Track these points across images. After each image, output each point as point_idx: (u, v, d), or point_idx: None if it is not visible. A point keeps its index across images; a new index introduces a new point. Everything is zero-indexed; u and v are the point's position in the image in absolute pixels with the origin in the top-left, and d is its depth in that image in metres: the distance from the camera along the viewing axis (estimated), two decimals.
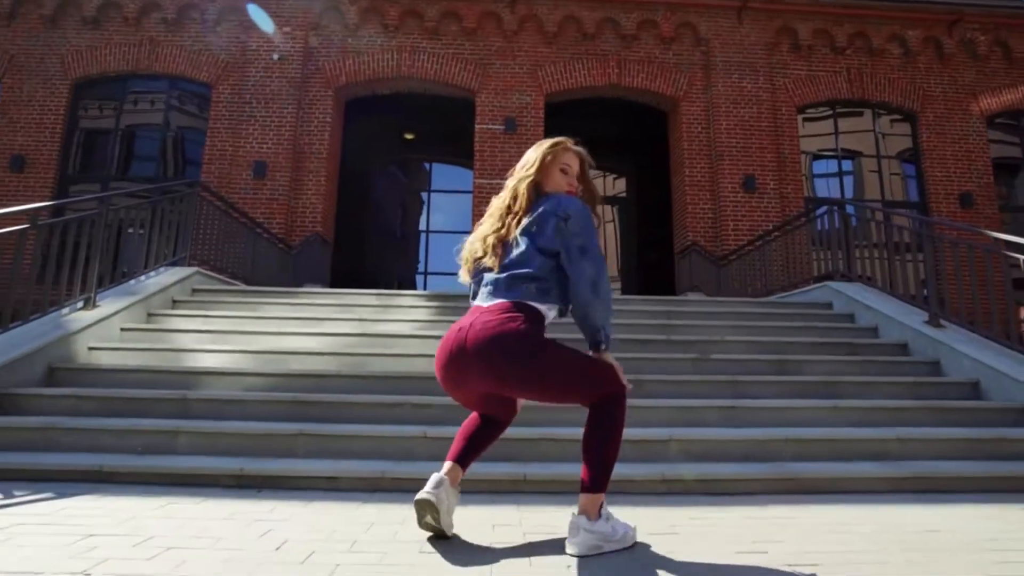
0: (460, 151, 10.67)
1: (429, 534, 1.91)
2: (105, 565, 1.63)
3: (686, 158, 9.88)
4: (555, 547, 1.83)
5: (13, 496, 2.35)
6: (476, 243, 1.95)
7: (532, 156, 1.97)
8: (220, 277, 6.02)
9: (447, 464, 1.93)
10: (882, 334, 4.82)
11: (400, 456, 2.91)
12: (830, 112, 10.38)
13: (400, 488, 2.58)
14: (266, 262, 7.63)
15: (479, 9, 9.93)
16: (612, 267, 12.02)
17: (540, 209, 1.86)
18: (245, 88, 9.55)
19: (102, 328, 4.14)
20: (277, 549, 1.80)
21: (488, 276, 1.89)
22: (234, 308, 5.05)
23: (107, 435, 2.98)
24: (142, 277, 5.15)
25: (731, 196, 9.56)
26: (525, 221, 1.86)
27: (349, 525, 2.08)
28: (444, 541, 1.88)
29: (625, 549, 1.82)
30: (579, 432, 1.88)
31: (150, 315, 4.70)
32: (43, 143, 9.29)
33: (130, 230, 5.36)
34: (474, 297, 2.05)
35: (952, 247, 4.63)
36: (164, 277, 5.21)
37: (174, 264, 5.64)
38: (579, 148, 2.01)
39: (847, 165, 10.33)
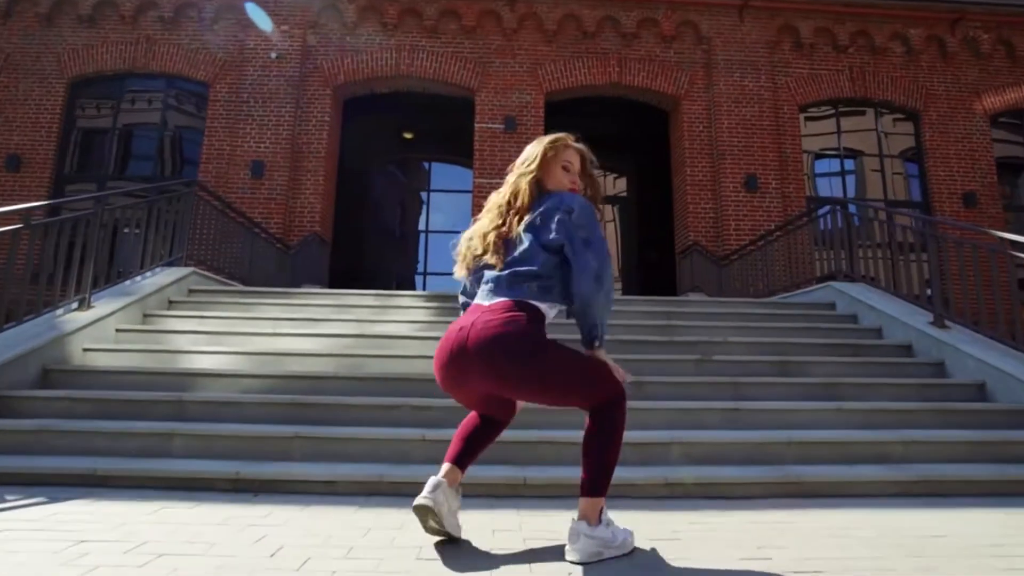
0: (459, 150, 10.63)
1: (436, 539, 1.88)
2: (96, 573, 1.60)
3: (687, 157, 9.84)
4: (556, 553, 1.80)
5: (5, 500, 2.32)
6: (475, 240, 1.91)
7: (533, 152, 1.93)
8: (217, 277, 5.98)
9: (445, 466, 1.89)
10: (886, 335, 4.78)
11: (398, 459, 2.87)
12: (832, 111, 10.34)
13: (398, 492, 2.55)
14: (264, 262, 7.59)
15: (478, 7, 9.89)
16: (613, 267, 11.95)
17: (544, 206, 1.83)
18: (243, 87, 9.51)
19: (97, 329, 4.10)
20: (272, 555, 1.77)
21: (489, 274, 1.85)
22: (231, 309, 5.01)
23: (101, 438, 2.94)
24: (138, 277, 5.12)
25: (732, 195, 9.52)
26: (528, 218, 1.83)
27: (346, 530, 2.04)
28: (445, 547, 1.85)
29: (625, 555, 1.79)
30: (578, 435, 1.84)
31: (146, 316, 4.66)
32: (39, 142, 9.25)
33: (126, 230, 5.31)
34: (464, 292, 2.02)
35: (957, 247, 4.59)
36: (160, 277, 5.17)
37: (170, 264, 5.60)
38: (580, 145, 1.98)
39: (849, 164, 10.29)
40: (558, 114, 9.85)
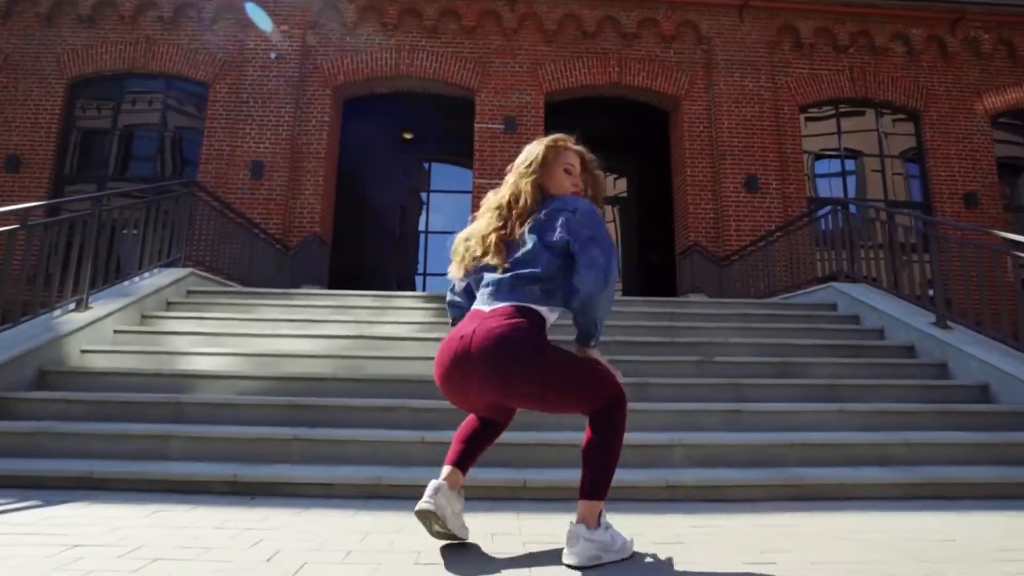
0: (459, 150, 10.62)
1: (436, 542, 1.86)
2: None
3: (687, 157, 9.81)
4: (556, 557, 1.77)
5: None
6: (473, 241, 1.87)
7: (532, 153, 1.90)
8: (216, 278, 5.96)
9: (445, 469, 1.87)
10: (888, 336, 4.76)
11: (397, 462, 2.85)
12: (832, 111, 10.32)
13: (397, 495, 2.53)
14: (263, 263, 7.57)
15: (478, 7, 9.87)
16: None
17: (547, 208, 1.80)
18: (242, 87, 9.49)
19: (95, 330, 4.07)
20: (268, 560, 1.74)
21: (489, 276, 1.82)
22: (229, 310, 4.98)
23: (98, 440, 2.92)
24: (136, 278, 5.09)
25: (733, 196, 9.49)
26: (531, 220, 1.80)
27: (343, 534, 2.02)
28: (444, 550, 1.83)
29: (625, 560, 1.76)
30: (578, 437, 1.82)
31: (144, 317, 4.64)
32: (38, 143, 9.22)
33: (124, 231, 5.29)
34: (452, 291, 2.00)
35: (960, 247, 4.56)
36: (158, 278, 5.15)
37: (169, 265, 5.58)
38: (579, 147, 1.96)
39: (850, 165, 10.27)
40: (558, 114, 9.82)
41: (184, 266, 5.69)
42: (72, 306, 4.21)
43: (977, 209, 9.63)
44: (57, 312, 4.11)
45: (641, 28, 10.06)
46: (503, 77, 9.84)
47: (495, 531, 2.07)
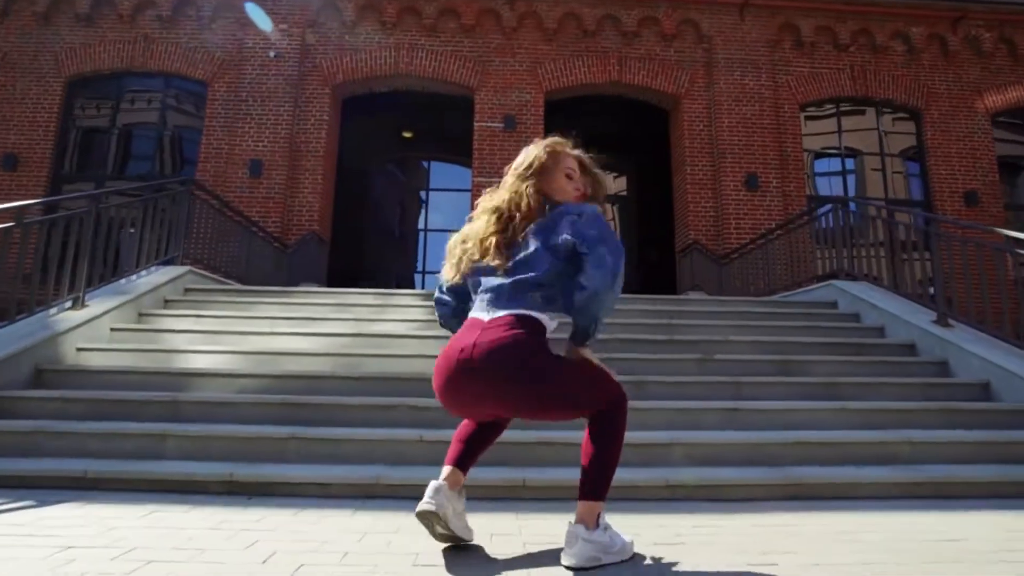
0: (459, 149, 10.59)
1: (435, 544, 1.84)
2: None
3: (687, 156, 9.79)
4: (556, 558, 1.75)
5: None
6: (471, 244, 1.82)
7: (531, 156, 1.86)
8: (214, 276, 5.93)
9: (446, 469, 1.85)
10: (889, 334, 4.74)
11: (395, 461, 2.83)
12: (833, 110, 10.30)
13: (395, 495, 2.51)
14: (261, 261, 7.55)
15: (478, 6, 9.84)
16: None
17: (552, 213, 1.77)
18: (241, 86, 9.46)
19: (91, 328, 4.05)
20: (264, 562, 1.72)
21: (488, 282, 1.77)
22: (227, 308, 4.96)
23: (94, 439, 2.89)
24: (133, 276, 5.07)
25: (733, 194, 9.47)
26: (535, 224, 1.76)
27: (341, 535, 2.00)
28: (443, 552, 1.81)
29: (625, 561, 1.73)
30: (578, 435, 1.80)
31: (141, 315, 4.61)
32: (36, 141, 9.20)
33: (121, 229, 5.27)
34: (440, 290, 1.98)
35: (961, 245, 4.54)
36: (156, 276, 5.13)
37: (167, 263, 5.55)
38: (577, 151, 1.93)
39: (850, 163, 10.25)
40: (558, 113, 9.80)
41: (182, 264, 5.67)
42: (69, 304, 4.19)
43: (978, 207, 9.62)
44: (53, 310, 4.09)
45: (641, 27, 10.04)
46: (503, 76, 9.81)
47: (494, 531, 2.05)
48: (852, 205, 6.15)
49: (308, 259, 8.80)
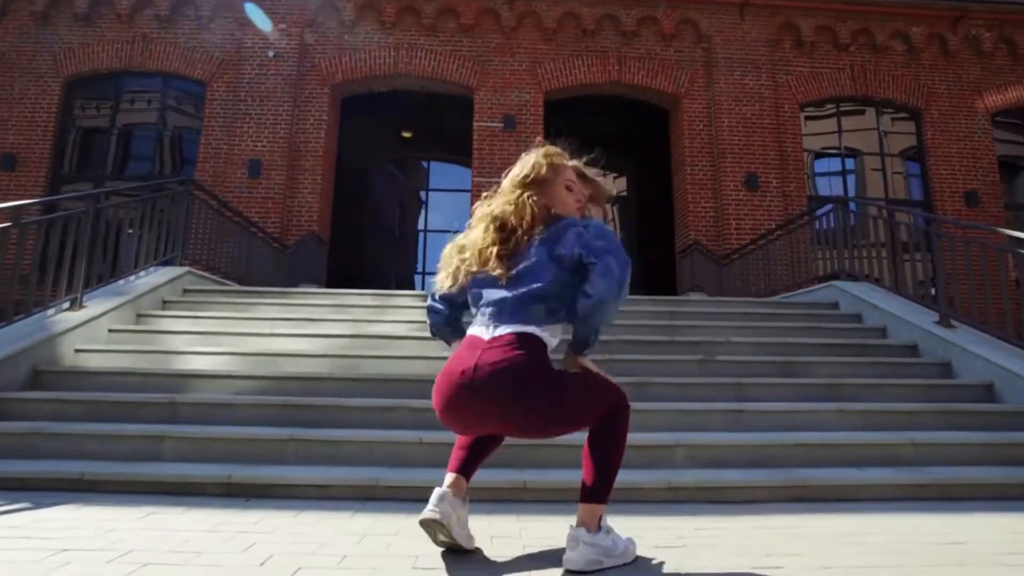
0: (458, 149, 10.56)
1: (435, 547, 1.81)
2: None
3: (687, 156, 9.77)
4: (556, 560, 1.73)
5: None
6: (469, 254, 1.78)
7: (529, 164, 1.83)
8: (212, 277, 5.91)
9: (449, 476, 1.83)
10: (891, 335, 4.72)
11: (395, 462, 2.81)
12: (833, 110, 10.29)
13: (395, 497, 2.49)
14: (260, 262, 7.52)
15: (477, 5, 9.82)
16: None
17: (556, 225, 1.73)
18: (240, 86, 9.43)
19: (89, 329, 4.02)
20: (262, 564, 1.70)
21: (490, 295, 1.73)
22: (226, 309, 4.94)
23: (92, 441, 2.88)
24: (131, 277, 5.04)
25: (733, 194, 9.45)
26: (538, 235, 1.72)
27: (339, 537, 1.98)
28: (443, 555, 1.79)
29: (627, 564, 1.72)
30: (580, 437, 1.79)
31: (139, 316, 4.59)
32: (35, 142, 9.17)
33: (120, 229, 5.24)
34: (433, 297, 1.95)
35: (964, 245, 4.52)
36: (154, 277, 5.10)
37: (165, 264, 5.53)
38: (574, 161, 1.90)
39: (850, 163, 10.24)
40: (557, 113, 9.78)
41: (181, 265, 5.64)
42: (66, 305, 4.16)
43: (978, 207, 9.60)
44: (51, 311, 4.06)
45: (641, 26, 10.02)
46: (502, 75, 9.79)
47: (495, 534, 2.03)
48: (852, 205, 6.14)
49: (307, 260, 8.78)
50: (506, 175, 1.87)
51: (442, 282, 1.86)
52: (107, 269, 4.89)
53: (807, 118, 10.19)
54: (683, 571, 1.70)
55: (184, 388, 3.50)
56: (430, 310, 1.97)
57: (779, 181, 9.57)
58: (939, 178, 9.82)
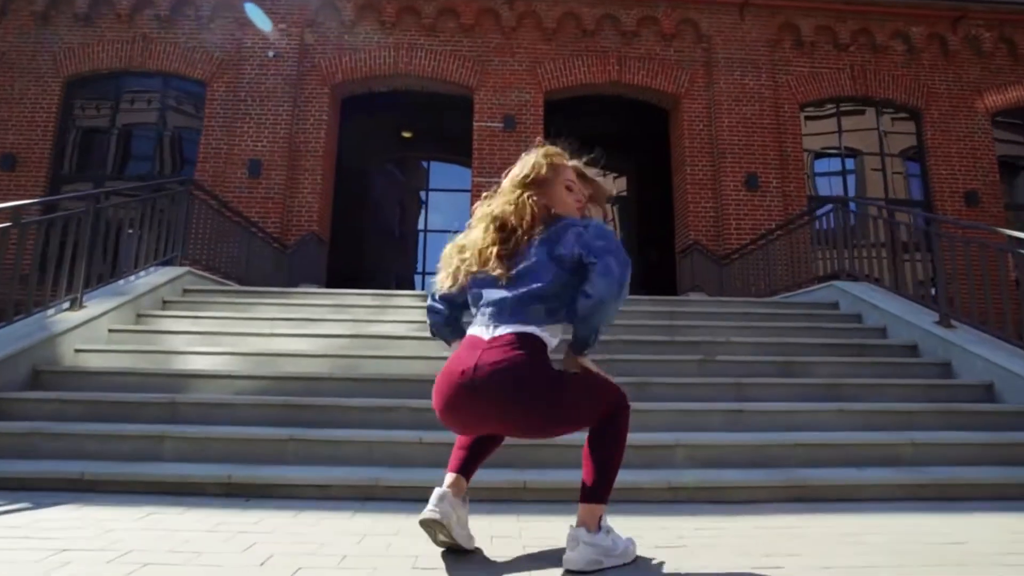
0: (458, 149, 10.56)
1: (434, 547, 1.81)
2: None
3: (687, 156, 9.77)
4: (556, 561, 1.73)
5: None
6: (468, 254, 1.78)
7: (529, 165, 1.83)
8: (212, 277, 5.91)
9: (449, 476, 1.83)
10: (891, 335, 4.72)
11: (395, 462, 2.81)
12: (833, 110, 10.29)
13: (395, 497, 2.49)
14: (260, 262, 7.52)
15: (477, 5, 9.82)
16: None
17: (556, 225, 1.73)
18: (240, 86, 9.43)
19: (89, 329, 4.02)
20: (262, 564, 1.70)
21: (490, 295, 1.73)
22: (226, 309, 4.94)
23: (92, 441, 2.87)
24: (131, 277, 5.04)
25: (733, 194, 9.45)
26: (538, 235, 1.72)
27: (340, 537, 1.98)
28: (443, 554, 1.79)
29: (627, 564, 1.72)
30: (580, 437, 1.79)
31: (139, 316, 4.59)
32: (35, 142, 9.17)
33: (120, 229, 5.24)
34: (433, 297, 1.95)
35: (964, 245, 4.52)
36: (154, 277, 5.10)
37: (165, 264, 5.53)
38: (573, 161, 1.90)
39: (850, 163, 10.24)
40: (557, 113, 9.78)
41: (181, 265, 5.64)
42: (66, 305, 4.16)
43: (978, 207, 9.60)
44: (51, 311, 4.06)
45: (641, 26, 10.02)
46: (502, 75, 9.79)
47: (495, 534, 2.03)
48: (852, 205, 6.14)
49: (308, 260, 8.78)
50: (506, 175, 1.87)
51: (442, 282, 1.86)
52: (107, 269, 4.89)
53: (807, 118, 10.19)
54: (683, 571, 1.70)
55: (184, 388, 3.50)
56: (430, 310, 1.97)
57: (779, 181, 9.57)
58: (939, 178, 9.82)
